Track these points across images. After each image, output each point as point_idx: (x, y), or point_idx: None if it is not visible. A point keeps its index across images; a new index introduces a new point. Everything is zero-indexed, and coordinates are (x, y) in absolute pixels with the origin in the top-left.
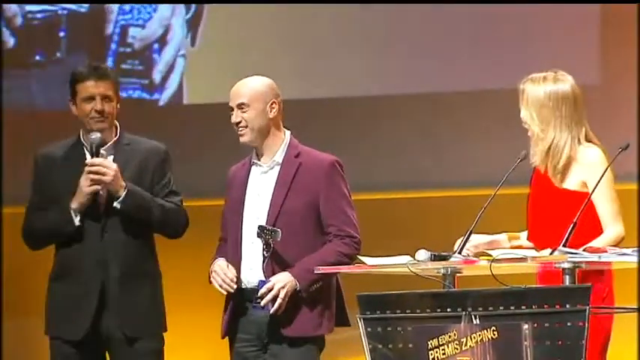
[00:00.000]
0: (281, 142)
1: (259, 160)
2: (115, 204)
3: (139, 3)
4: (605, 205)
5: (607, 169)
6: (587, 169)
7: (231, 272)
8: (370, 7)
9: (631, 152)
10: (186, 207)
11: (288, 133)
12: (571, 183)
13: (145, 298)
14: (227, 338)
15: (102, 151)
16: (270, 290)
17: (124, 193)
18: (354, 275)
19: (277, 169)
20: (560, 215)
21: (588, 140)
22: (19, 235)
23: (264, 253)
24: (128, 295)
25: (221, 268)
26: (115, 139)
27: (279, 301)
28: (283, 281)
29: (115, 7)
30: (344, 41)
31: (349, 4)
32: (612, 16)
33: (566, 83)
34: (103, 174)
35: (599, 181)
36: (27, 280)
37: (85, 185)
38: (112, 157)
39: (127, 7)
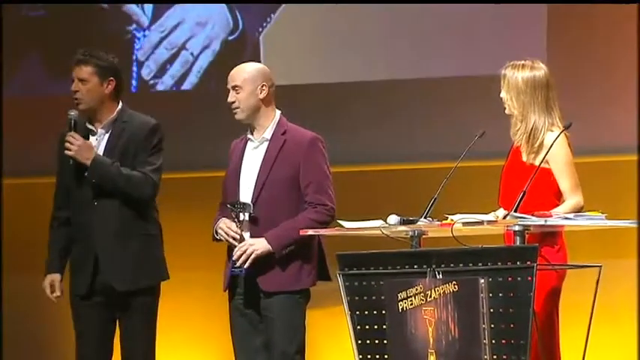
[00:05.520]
0: (271, 120)
1: (253, 136)
2: (86, 173)
3: (147, 3)
4: (564, 180)
5: (548, 151)
6: (550, 149)
7: (234, 226)
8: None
9: (631, 126)
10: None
11: (278, 112)
12: (538, 160)
13: (136, 256)
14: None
15: (88, 125)
16: (243, 252)
17: (89, 164)
18: (334, 237)
19: (266, 144)
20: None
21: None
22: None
23: (237, 225)
24: (123, 253)
25: (225, 223)
26: (113, 116)
27: (244, 257)
28: (256, 244)
29: None
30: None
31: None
32: (559, 16)
33: (540, 71)
34: (68, 149)
35: (543, 159)
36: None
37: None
38: (108, 134)
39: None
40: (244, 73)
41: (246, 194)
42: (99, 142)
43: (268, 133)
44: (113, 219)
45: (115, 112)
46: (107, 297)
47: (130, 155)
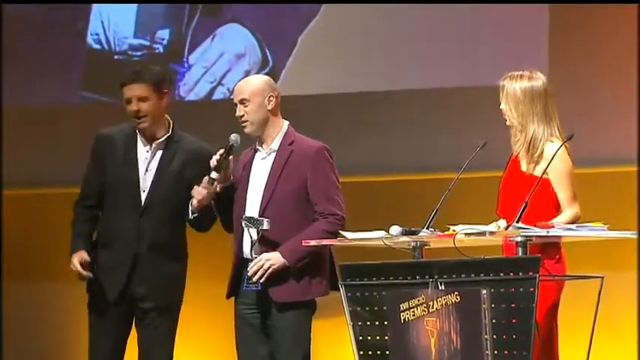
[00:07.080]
0: (279, 131)
1: (261, 147)
2: (191, 216)
3: (139, 3)
4: (563, 191)
5: (550, 162)
6: (549, 161)
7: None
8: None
9: (631, 137)
10: None
11: (286, 123)
12: (538, 171)
13: (171, 274)
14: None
15: (152, 145)
16: (260, 267)
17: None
18: (337, 248)
19: (273, 155)
20: (525, 197)
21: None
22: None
23: (252, 240)
24: (156, 268)
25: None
26: (167, 135)
27: (261, 272)
28: (272, 258)
29: None
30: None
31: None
32: (560, 18)
33: (538, 81)
34: (203, 195)
35: (545, 170)
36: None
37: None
38: (160, 151)
39: None
40: (251, 85)
41: (253, 208)
42: (151, 156)
43: (276, 144)
44: (157, 234)
45: (170, 130)
46: (133, 308)
47: (186, 179)
